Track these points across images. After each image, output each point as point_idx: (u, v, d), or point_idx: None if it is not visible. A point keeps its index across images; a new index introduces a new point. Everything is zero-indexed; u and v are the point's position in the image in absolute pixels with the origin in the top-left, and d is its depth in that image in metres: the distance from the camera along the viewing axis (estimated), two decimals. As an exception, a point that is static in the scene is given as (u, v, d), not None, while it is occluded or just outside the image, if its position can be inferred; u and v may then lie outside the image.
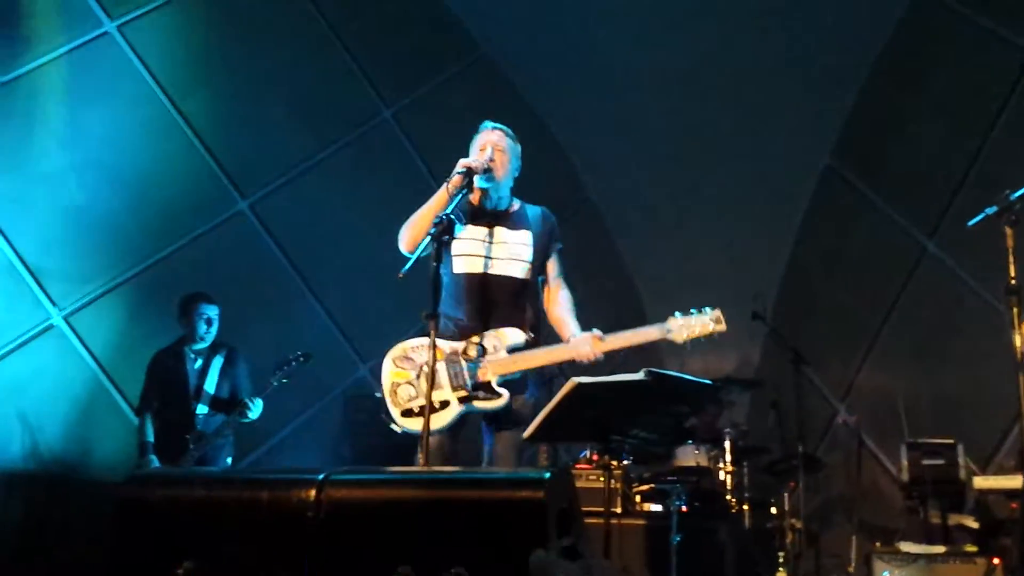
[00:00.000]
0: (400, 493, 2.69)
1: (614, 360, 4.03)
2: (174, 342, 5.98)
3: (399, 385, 4.00)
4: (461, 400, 3.91)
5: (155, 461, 5.66)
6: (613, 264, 8.91)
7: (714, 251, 8.34)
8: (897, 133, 7.64)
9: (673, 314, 3.92)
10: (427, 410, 3.57)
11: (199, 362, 5.93)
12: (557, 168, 8.66)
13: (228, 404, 5.88)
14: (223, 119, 7.05)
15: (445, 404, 3.91)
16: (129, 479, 3.05)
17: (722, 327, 3.87)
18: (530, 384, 4.10)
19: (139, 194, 6.57)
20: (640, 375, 3.59)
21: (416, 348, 4.04)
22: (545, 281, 4.25)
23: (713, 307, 3.91)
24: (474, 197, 4.17)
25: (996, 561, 4.92)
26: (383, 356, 4.19)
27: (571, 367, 4.01)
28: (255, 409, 5.79)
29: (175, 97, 6.84)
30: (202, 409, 5.81)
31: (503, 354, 3.95)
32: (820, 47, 7.66)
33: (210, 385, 5.89)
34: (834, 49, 7.67)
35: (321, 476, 2.70)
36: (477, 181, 4.09)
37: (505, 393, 3.91)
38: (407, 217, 4.18)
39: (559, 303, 4.16)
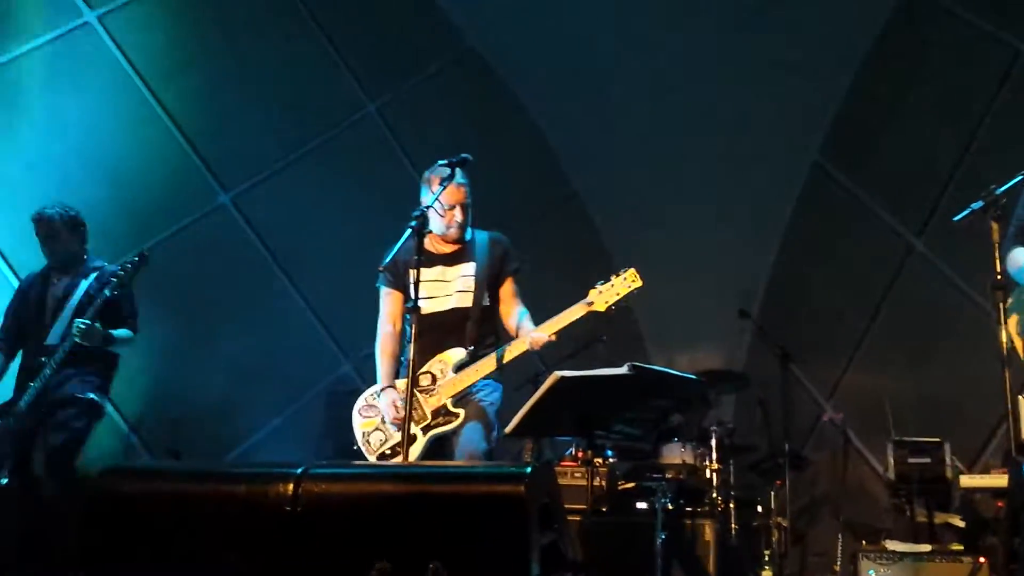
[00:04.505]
0: (378, 487, 2.67)
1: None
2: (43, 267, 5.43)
3: (369, 433, 4.16)
4: (424, 429, 4.02)
5: None
6: (598, 260, 8.85)
7: (701, 248, 8.30)
8: (885, 131, 7.64)
9: (594, 286, 3.95)
10: (407, 413, 3.52)
11: (62, 285, 5.28)
12: (543, 162, 8.60)
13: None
14: (205, 111, 6.96)
15: (412, 439, 3.96)
16: (103, 472, 3.00)
17: (638, 283, 3.91)
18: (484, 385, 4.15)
19: (119, 186, 6.49)
20: (623, 369, 3.58)
21: (376, 394, 4.19)
22: (499, 303, 4.28)
23: (626, 268, 3.95)
24: (429, 240, 4.15)
25: (982, 560, 4.92)
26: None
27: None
28: (87, 331, 4.92)
29: (156, 89, 6.76)
30: (56, 333, 5.10)
31: (450, 375, 4.06)
32: (809, 44, 7.63)
33: (68, 310, 5.16)
34: (823, 46, 7.65)
35: (299, 470, 2.68)
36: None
37: (461, 412, 4.02)
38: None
39: (513, 316, 4.23)
